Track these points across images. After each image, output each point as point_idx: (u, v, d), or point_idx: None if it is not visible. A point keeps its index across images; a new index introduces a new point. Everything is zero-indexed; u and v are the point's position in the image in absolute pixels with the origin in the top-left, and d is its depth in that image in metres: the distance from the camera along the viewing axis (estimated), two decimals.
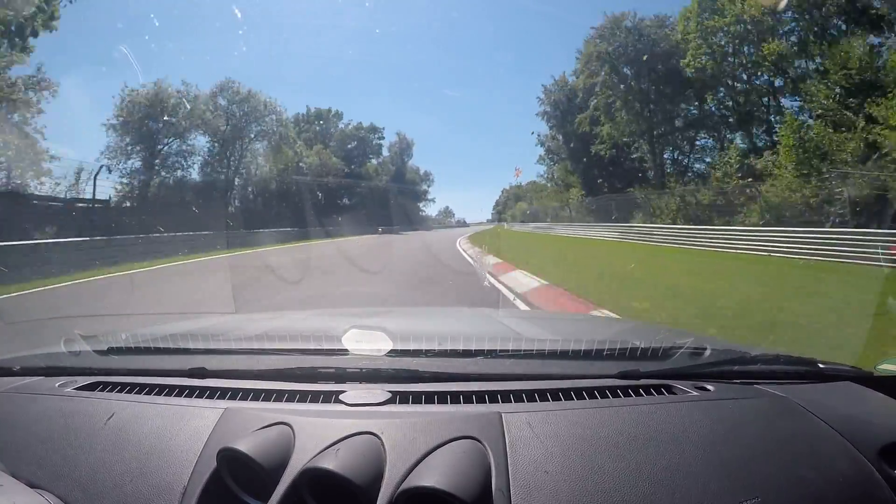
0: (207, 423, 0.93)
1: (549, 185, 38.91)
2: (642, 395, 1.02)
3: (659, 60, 24.13)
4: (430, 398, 1.00)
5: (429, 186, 56.73)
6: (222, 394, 1.06)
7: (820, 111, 15.59)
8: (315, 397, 1.02)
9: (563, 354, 1.21)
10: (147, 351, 1.36)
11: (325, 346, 1.28)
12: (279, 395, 1.04)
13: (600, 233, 23.55)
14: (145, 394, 1.09)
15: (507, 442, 0.83)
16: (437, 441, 0.82)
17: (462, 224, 75.36)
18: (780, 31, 19.15)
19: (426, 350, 1.19)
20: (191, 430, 0.93)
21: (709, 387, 1.06)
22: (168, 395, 1.08)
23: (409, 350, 1.19)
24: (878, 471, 0.84)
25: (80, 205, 20.54)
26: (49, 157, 20.68)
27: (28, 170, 19.93)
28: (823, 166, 14.31)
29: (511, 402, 0.98)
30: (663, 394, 1.03)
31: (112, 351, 1.34)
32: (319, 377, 1.10)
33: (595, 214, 27.77)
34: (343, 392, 1.02)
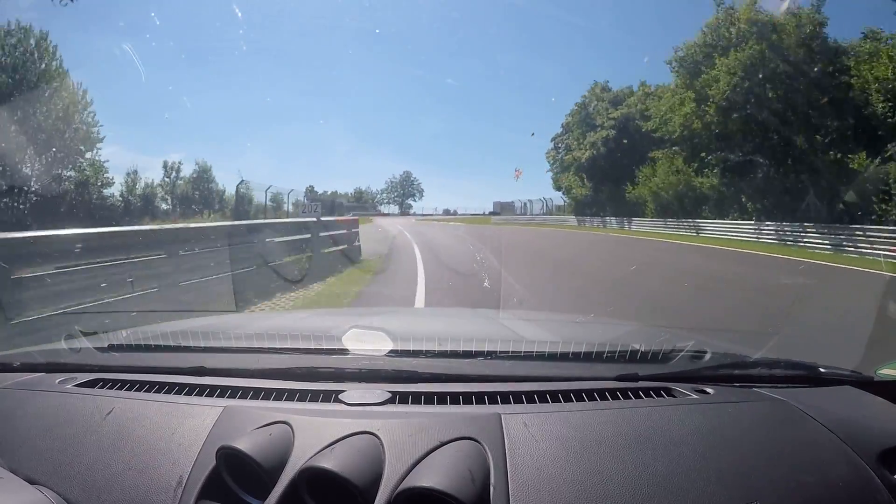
0: (207, 422, 0.93)
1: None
2: (642, 398, 1.02)
3: None
4: (429, 399, 1.00)
5: None
6: (222, 392, 1.06)
7: None
8: (315, 396, 1.02)
9: (563, 356, 1.21)
10: (147, 348, 1.36)
11: (325, 346, 1.28)
12: (279, 394, 1.04)
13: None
14: (145, 391, 1.09)
15: (506, 443, 0.83)
16: (436, 441, 0.82)
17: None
18: None
19: (426, 350, 1.19)
20: (190, 427, 0.93)
21: (708, 390, 1.06)
22: (168, 392, 1.08)
23: (409, 350, 1.20)
24: (878, 475, 0.84)
25: None
26: None
27: None
28: None
29: (511, 403, 0.98)
30: (663, 396, 1.03)
31: (113, 348, 1.34)
32: (319, 376, 1.10)
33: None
34: (343, 391, 1.02)
